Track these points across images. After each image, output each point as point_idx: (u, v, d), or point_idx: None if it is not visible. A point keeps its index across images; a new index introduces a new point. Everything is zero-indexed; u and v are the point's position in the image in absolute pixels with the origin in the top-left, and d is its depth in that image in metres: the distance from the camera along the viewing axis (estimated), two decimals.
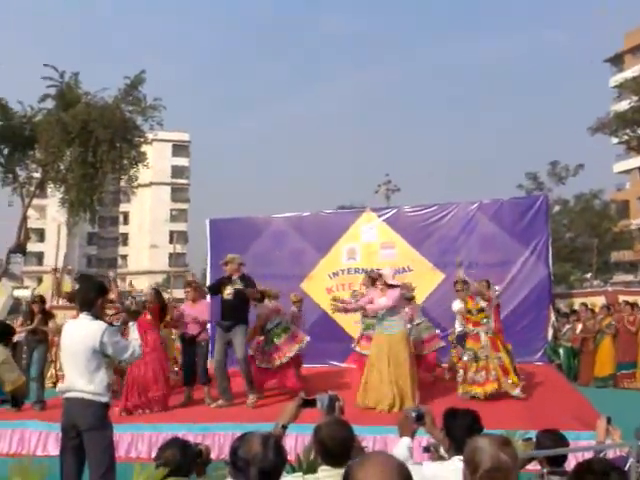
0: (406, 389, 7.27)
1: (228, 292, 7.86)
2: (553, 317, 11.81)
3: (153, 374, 7.77)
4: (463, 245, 12.12)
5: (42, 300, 9.43)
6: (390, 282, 7.63)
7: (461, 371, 8.05)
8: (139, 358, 4.77)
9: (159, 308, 8.08)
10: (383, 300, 7.51)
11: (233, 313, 7.81)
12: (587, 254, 35.97)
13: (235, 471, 2.18)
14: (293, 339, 8.38)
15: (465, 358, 8.01)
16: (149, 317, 7.88)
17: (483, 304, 8.09)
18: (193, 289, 8.75)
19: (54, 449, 6.67)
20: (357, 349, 8.86)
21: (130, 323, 4.89)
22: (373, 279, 8.67)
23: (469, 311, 8.22)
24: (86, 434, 4.12)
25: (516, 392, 7.66)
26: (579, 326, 11.65)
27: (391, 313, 7.50)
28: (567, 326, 11.94)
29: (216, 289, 8.20)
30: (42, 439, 6.93)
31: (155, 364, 7.81)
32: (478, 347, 7.88)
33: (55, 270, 15.62)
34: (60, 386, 4.43)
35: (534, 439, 4.17)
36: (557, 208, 39.79)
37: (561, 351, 11.63)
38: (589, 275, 32.62)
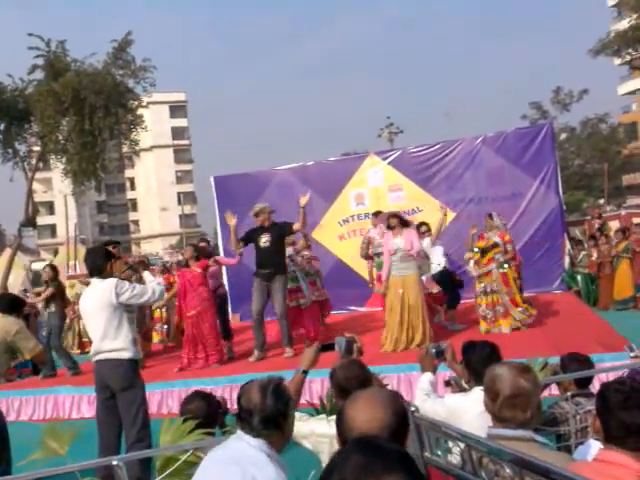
0: (419, 330, 7.35)
1: (264, 240, 7.72)
2: (568, 245, 11.79)
3: (209, 326, 7.82)
4: (471, 181, 12.03)
5: (53, 268, 9.44)
6: (405, 218, 7.66)
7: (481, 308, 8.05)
8: (162, 298, 4.83)
9: (206, 262, 8.07)
10: (399, 242, 7.45)
11: (271, 260, 7.67)
12: (598, 180, 35.66)
13: (240, 422, 2.20)
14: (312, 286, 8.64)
15: (479, 292, 7.98)
16: (198, 271, 7.86)
17: (496, 239, 7.95)
18: (206, 245, 8.86)
19: (87, 411, 6.92)
20: (375, 290, 8.80)
21: (145, 273, 4.91)
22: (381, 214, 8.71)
23: (483, 251, 8.00)
24: (119, 394, 4.23)
25: (526, 318, 7.70)
26: (595, 252, 11.63)
27: (404, 254, 7.46)
28: (583, 253, 11.93)
29: (247, 239, 7.97)
30: (75, 403, 7.20)
31: (210, 317, 7.86)
32: (490, 281, 7.84)
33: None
34: (91, 352, 4.52)
35: (550, 365, 4.22)
36: (563, 136, 39.26)
37: (579, 278, 11.63)
38: (602, 201, 32.36)
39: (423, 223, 9.18)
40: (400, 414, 1.64)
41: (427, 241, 8.73)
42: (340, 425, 1.64)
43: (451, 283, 8.86)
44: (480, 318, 7.97)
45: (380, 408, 1.61)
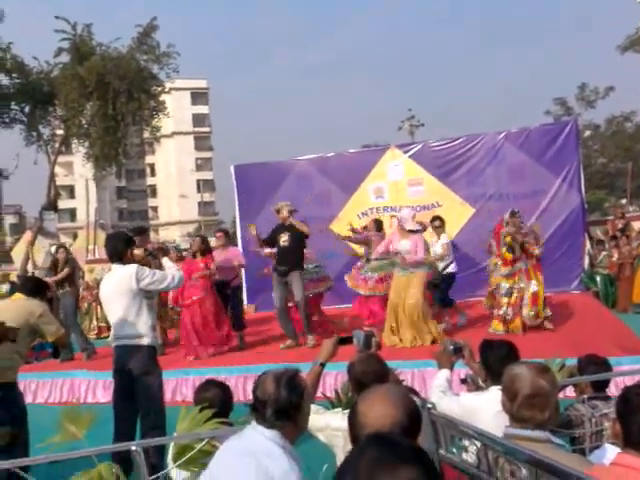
0: (420, 326, 7.35)
1: (284, 239, 7.84)
2: (588, 245, 11.66)
3: (213, 317, 7.92)
4: (492, 177, 11.92)
5: (66, 249, 9.52)
6: (409, 228, 7.48)
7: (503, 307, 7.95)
8: (181, 283, 4.83)
9: (210, 255, 8.15)
10: (405, 244, 7.41)
11: (289, 258, 7.80)
12: (621, 179, 35.12)
13: (255, 412, 2.21)
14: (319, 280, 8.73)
15: (502, 293, 7.75)
16: (202, 265, 7.94)
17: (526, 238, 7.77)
18: (224, 235, 8.84)
19: (103, 396, 6.99)
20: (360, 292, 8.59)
21: (164, 259, 4.93)
22: (379, 223, 8.84)
23: (511, 249, 7.76)
24: (136, 380, 4.26)
25: (535, 321, 7.56)
26: (616, 253, 11.47)
27: (406, 258, 7.38)
28: (603, 253, 11.77)
29: (271, 240, 8.08)
30: (91, 387, 7.26)
31: (212, 308, 7.93)
32: (513, 282, 7.68)
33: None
34: (110, 337, 4.56)
35: (567, 366, 4.19)
36: (587, 133, 38.70)
37: (598, 278, 11.44)
38: (624, 201, 31.90)
39: (437, 217, 9.01)
40: (412, 412, 1.65)
41: (443, 237, 8.69)
42: (352, 420, 1.65)
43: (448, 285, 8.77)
44: (495, 319, 7.78)
45: (392, 405, 1.62)
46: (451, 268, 8.76)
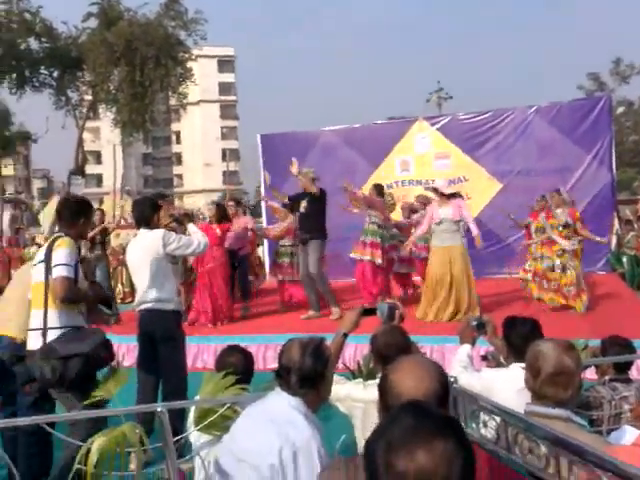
0: (464, 301, 7.29)
1: (303, 205, 7.87)
2: (616, 225, 11.44)
3: (219, 288, 8.01)
4: (521, 152, 11.72)
5: (102, 212, 9.66)
6: (449, 192, 7.46)
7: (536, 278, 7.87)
8: (206, 249, 4.86)
9: (227, 223, 8.21)
10: (446, 211, 7.35)
11: (307, 226, 7.84)
12: None
13: (279, 379, 2.23)
14: None
15: (544, 265, 7.71)
16: (218, 232, 7.97)
17: (568, 219, 7.66)
18: (235, 204, 8.89)
19: (126, 360, 7.12)
20: (356, 256, 8.42)
21: (190, 225, 4.97)
22: (379, 188, 8.65)
23: (554, 227, 7.71)
24: (160, 344, 4.33)
25: (582, 309, 7.50)
26: None
27: (450, 225, 7.37)
28: (631, 233, 11.56)
29: (292, 205, 8.13)
30: (116, 351, 7.38)
31: (221, 278, 8.02)
32: (565, 259, 7.57)
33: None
34: (135, 301, 4.62)
35: (590, 347, 4.15)
36: (620, 109, 37.74)
37: (624, 259, 11.28)
38: None
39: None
40: (444, 383, 1.65)
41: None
42: (384, 390, 1.65)
43: None
44: (557, 293, 7.64)
45: (426, 375, 1.62)
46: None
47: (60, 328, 3.30)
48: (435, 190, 7.71)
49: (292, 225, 8.56)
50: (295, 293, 8.78)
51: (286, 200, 8.24)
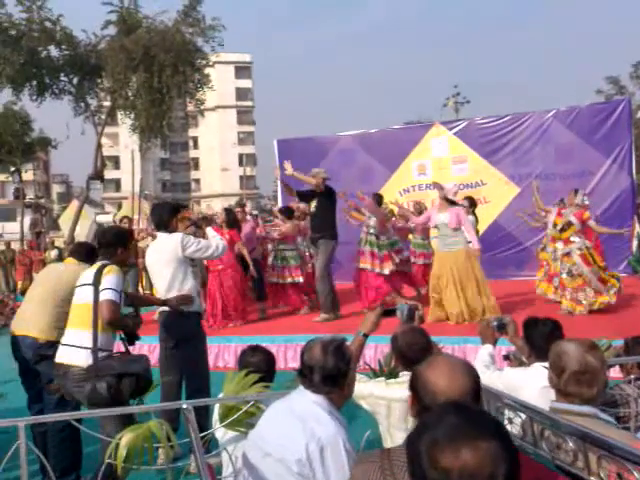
0: (475, 303, 7.26)
1: (314, 205, 7.98)
2: (638, 228, 11.36)
3: (230, 291, 8.10)
4: (539, 156, 11.69)
5: (130, 220, 9.82)
6: (449, 197, 7.44)
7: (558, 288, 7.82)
8: (224, 252, 4.91)
9: (236, 229, 8.31)
10: (444, 217, 7.37)
11: (317, 226, 7.95)
12: None
13: (302, 377, 2.26)
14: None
15: (564, 275, 7.64)
16: (227, 236, 8.02)
17: (572, 218, 7.65)
18: (242, 210, 9.06)
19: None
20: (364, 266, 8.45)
21: (208, 229, 5.03)
22: (379, 198, 8.73)
23: (562, 229, 7.69)
24: (181, 345, 4.38)
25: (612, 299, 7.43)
26: None
27: (453, 231, 7.37)
28: None
29: (305, 198, 8.20)
30: (136, 352, 7.44)
31: (231, 281, 8.12)
32: (571, 262, 7.53)
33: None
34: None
35: (613, 347, 4.13)
36: None
37: None
38: None
39: (467, 197, 9.01)
40: (478, 382, 1.68)
41: (470, 217, 8.59)
42: (418, 388, 1.67)
43: None
44: (563, 298, 7.62)
45: (462, 374, 1.65)
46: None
47: (105, 350, 3.44)
48: (441, 188, 7.69)
49: (291, 231, 8.76)
50: (283, 296, 8.93)
51: (295, 195, 8.34)
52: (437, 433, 1.15)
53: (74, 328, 3.49)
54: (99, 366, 3.28)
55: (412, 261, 9.32)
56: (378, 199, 8.72)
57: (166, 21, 18.91)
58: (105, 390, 3.20)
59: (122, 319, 3.53)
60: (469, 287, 7.28)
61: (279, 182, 8.37)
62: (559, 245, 7.73)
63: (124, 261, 3.88)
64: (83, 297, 3.50)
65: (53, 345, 3.97)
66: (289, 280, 8.69)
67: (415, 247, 9.63)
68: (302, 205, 8.98)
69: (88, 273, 3.58)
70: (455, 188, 7.85)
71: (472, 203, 9.00)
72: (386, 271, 8.22)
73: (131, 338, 3.71)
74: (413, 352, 2.84)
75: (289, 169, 7.83)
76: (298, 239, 9.12)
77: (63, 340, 3.51)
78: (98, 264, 3.59)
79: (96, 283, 3.45)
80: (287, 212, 9.11)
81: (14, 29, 18.10)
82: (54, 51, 19.21)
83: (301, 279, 8.76)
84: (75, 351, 3.38)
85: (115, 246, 3.72)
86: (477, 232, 9.18)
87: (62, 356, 3.44)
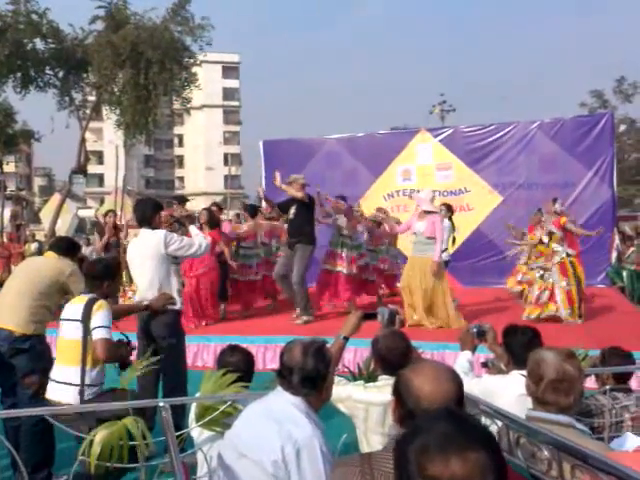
0: (444, 314, 7.35)
1: (292, 212, 7.97)
2: (617, 240, 11.51)
3: (205, 290, 8.09)
4: (522, 166, 11.82)
5: (115, 214, 9.74)
6: (426, 209, 7.48)
7: (526, 292, 7.94)
8: (207, 251, 4.91)
9: (218, 229, 8.27)
10: (421, 225, 7.44)
11: (296, 231, 7.94)
12: None
13: (280, 378, 2.25)
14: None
15: (536, 274, 7.74)
16: (209, 238, 8.00)
17: (551, 227, 7.72)
18: (218, 210, 9.05)
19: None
20: (328, 267, 8.55)
21: (191, 227, 5.00)
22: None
23: (540, 242, 7.81)
24: (160, 342, 4.34)
25: (572, 320, 7.50)
26: None
27: (427, 239, 7.42)
28: (631, 249, 11.62)
29: (284, 208, 8.21)
30: None
31: (209, 281, 8.10)
32: (548, 266, 7.62)
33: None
34: (136, 299, 4.62)
35: (589, 357, 4.17)
36: (623, 127, 37.90)
37: (624, 274, 11.31)
38: None
39: (444, 204, 9.09)
40: (462, 388, 1.68)
41: (446, 222, 8.64)
42: (402, 393, 1.67)
43: None
44: (526, 304, 7.73)
45: (447, 380, 1.65)
46: (444, 256, 8.49)
47: (94, 385, 3.46)
48: (416, 202, 7.77)
49: (253, 230, 8.93)
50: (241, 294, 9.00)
51: (275, 207, 8.40)
52: (428, 440, 1.14)
53: (63, 365, 3.51)
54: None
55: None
56: (343, 198, 8.77)
57: (155, 18, 18.81)
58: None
59: (116, 354, 3.55)
60: (437, 296, 7.38)
61: (263, 196, 8.39)
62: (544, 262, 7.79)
63: (112, 293, 3.89)
64: (72, 333, 3.50)
65: (29, 339, 3.93)
66: (249, 277, 8.84)
67: (383, 254, 9.69)
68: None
69: (76, 307, 3.56)
70: (431, 194, 7.90)
71: (449, 209, 9.05)
72: (351, 271, 8.32)
73: (123, 365, 3.66)
74: (393, 356, 2.84)
75: (277, 179, 7.87)
76: (268, 240, 9.36)
77: (52, 376, 3.52)
78: (86, 298, 3.58)
79: (85, 319, 3.46)
80: (251, 210, 9.22)
81: (0, 21, 17.88)
82: (40, 44, 19.01)
83: (258, 277, 8.91)
84: (64, 388, 3.40)
85: (103, 279, 3.72)
86: (454, 239, 9.29)
87: (51, 393, 3.46)
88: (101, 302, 3.54)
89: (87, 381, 3.41)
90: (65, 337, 3.55)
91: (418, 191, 11.50)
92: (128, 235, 9.21)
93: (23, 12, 18.10)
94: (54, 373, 3.51)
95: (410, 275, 7.52)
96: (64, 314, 3.63)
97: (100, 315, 3.47)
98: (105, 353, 3.40)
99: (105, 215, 9.72)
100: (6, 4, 17.93)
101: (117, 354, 3.55)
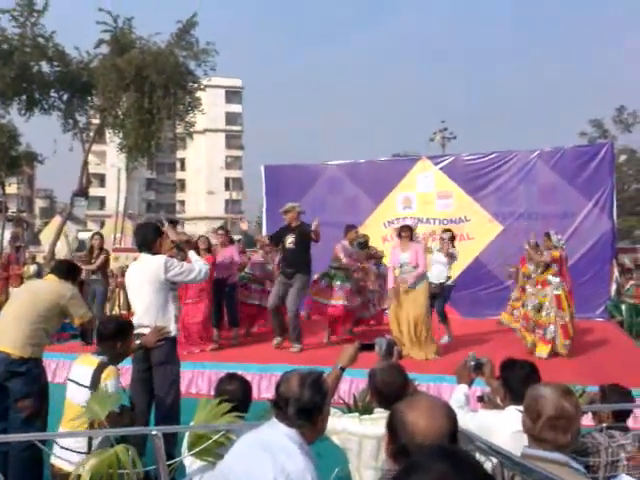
0: (423, 340, 7.37)
1: (290, 241, 7.93)
2: (616, 272, 11.46)
3: (202, 315, 8.06)
4: (522, 195, 11.85)
5: (101, 236, 9.73)
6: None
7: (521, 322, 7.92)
8: (207, 276, 4.88)
9: (213, 257, 8.27)
10: (405, 256, 7.48)
11: (294, 261, 7.89)
12: None
13: (276, 409, 2.23)
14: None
15: (529, 308, 7.70)
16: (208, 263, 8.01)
17: (547, 259, 7.72)
18: (225, 234, 9.02)
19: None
20: (315, 298, 8.57)
21: (191, 252, 4.99)
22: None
23: (529, 276, 7.85)
24: (155, 368, 4.31)
25: (564, 352, 7.45)
26: None
27: (413, 268, 7.44)
28: (631, 282, 11.55)
29: (277, 239, 8.21)
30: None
31: (203, 305, 8.08)
32: (542, 301, 7.58)
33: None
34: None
35: (586, 393, 4.12)
36: (623, 157, 38.09)
37: (623, 308, 11.19)
38: None
39: (447, 230, 9.01)
40: (456, 424, 1.67)
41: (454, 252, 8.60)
42: (396, 428, 1.65)
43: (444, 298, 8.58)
44: (541, 341, 7.56)
45: (441, 416, 1.64)
46: (450, 282, 8.60)
47: None
48: (408, 228, 7.69)
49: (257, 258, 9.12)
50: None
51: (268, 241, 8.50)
52: (423, 479, 1.13)
53: (69, 429, 3.40)
54: None
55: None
56: (347, 230, 8.68)
57: (159, 43, 19.04)
58: None
59: (119, 422, 3.35)
60: (423, 325, 7.39)
61: (244, 230, 8.56)
62: (535, 289, 7.78)
63: (124, 354, 3.80)
64: (79, 398, 3.39)
65: (26, 362, 3.90)
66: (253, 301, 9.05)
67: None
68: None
69: (85, 371, 3.45)
70: (415, 222, 7.98)
71: (452, 237, 8.98)
72: (338, 303, 8.28)
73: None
74: (390, 390, 2.81)
75: (245, 225, 8.54)
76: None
77: (58, 440, 3.39)
78: (96, 361, 3.47)
79: (93, 387, 3.37)
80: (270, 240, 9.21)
81: (6, 43, 18.12)
82: (45, 67, 19.22)
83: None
84: (70, 455, 3.29)
85: (115, 339, 3.62)
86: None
87: (58, 458, 3.32)
88: (110, 370, 3.44)
89: (93, 448, 3.28)
90: (73, 401, 3.44)
91: (425, 220, 11.64)
92: (98, 260, 9.17)
93: (30, 35, 18.33)
94: (59, 437, 3.37)
95: (397, 306, 7.50)
96: (72, 374, 3.52)
97: (108, 385, 3.37)
98: (112, 425, 3.22)
99: (92, 237, 9.72)
100: (13, 27, 18.18)
101: (121, 424, 3.36)
